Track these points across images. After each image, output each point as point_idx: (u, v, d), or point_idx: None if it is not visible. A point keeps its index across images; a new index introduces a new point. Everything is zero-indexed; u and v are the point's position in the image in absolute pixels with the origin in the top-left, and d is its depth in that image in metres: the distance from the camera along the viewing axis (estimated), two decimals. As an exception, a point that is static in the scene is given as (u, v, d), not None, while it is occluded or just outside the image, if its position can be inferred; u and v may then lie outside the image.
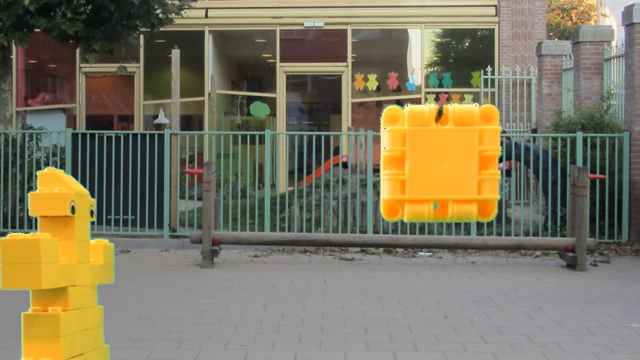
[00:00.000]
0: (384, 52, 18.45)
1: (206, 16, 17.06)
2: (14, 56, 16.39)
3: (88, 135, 10.96)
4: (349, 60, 17.02)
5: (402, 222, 10.77)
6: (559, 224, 10.35)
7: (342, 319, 6.47)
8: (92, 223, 3.11)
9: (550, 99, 14.25)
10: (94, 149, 10.81)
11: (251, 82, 18.68)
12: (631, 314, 6.75)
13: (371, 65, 17.81)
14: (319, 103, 18.63)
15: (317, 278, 8.42)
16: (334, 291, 7.68)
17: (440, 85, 17.06)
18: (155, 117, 16.03)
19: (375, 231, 10.46)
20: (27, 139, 11.36)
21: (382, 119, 2.42)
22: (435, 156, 2.35)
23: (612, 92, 11.61)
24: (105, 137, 10.89)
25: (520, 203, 12.60)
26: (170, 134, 10.88)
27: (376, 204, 10.69)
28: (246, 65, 19.27)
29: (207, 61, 17.07)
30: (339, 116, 17.10)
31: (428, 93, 16.98)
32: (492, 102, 16.50)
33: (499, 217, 10.79)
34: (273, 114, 17.21)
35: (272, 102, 17.21)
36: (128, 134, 10.98)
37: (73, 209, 2.85)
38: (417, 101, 16.98)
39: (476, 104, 2.38)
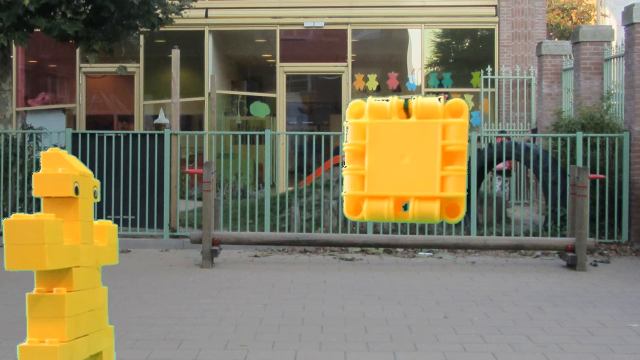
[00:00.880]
0: (384, 52, 18.45)
1: (206, 16, 17.06)
2: (14, 56, 16.40)
3: (88, 135, 10.96)
4: (349, 60, 17.03)
5: (402, 222, 10.76)
6: (559, 224, 10.35)
7: (342, 319, 6.47)
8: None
9: (550, 99, 14.26)
10: (94, 149, 10.81)
11: (251, 82, 18.69)
12: (631, 314, 6.75)
13: (371, 65, 17.81)
14: (319, 103, 18.63)
15: (317, 278, 8.43)
16: (334, 291, 7.68)
17: (441, 85, 17.06)
18: (155, 117, 16.04)
19: (375, 231, 10.46)
20: (27, 139, 11.36)
21: (347, 114, 2.34)
22: (397, 150, 2.25)
23: (612, 92, 11.61)
24: (105, 137, 10.90)
25: (520, 203, 12.60)
26: (170, 134, 10.88)
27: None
28: (246, 65, 19.27)
29: (207, 61, 17.07)
30: (339, 116, 17.10)
31: (428, 93, 16.97)
32: (492, 102, 16.51)
33: (499, 217, 10.80)
34: (273, 114, 17.22)
35: (272, 102, 17.21)
36: (128, 134, 10.98)
37: (77, 190, 2.86)
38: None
39: (440, 97, 2.28)
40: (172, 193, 10.82)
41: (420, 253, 10.10)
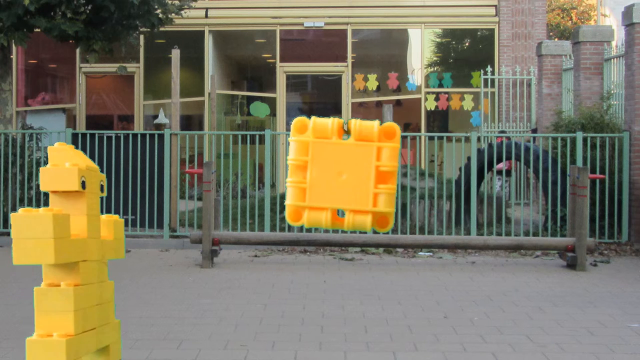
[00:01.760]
0: (384, 52, 18.45)
1: (206, 16, 17.06)
2: (14, 56, 16.40)
3: (88, 135, 10.96)
4: (349, 60, 17.03)
5: (402, 222, 10.78)
6: (559, 224, 10.35)
7: (342, 319, 6.47)
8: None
9: (550, 99, 14.26)
10: (94, 149, 10.81)
11: (251, 82, 18.69)
12: (631, 314, 6.75)
13: (371, 65, 17.81)
14: (319, 103, 18.63)
15: (317, 278, 8.43)
16: (334, 291, 7.68)
17: (440, 85, 17.06)
18: (155, 117, 16.04)
19: (375, 231, 10.45)
20: (27, 139, 11.36)
21: (291, 129, 2.58)
22: (336, 168, 2.51)
23: (612, 92, 11.61)
24: (105, 137, 10.90)
25: (520, 203, 12.59)
26: (170, 134, 10.88)
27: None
28: (246, 65, 19.27)
29: (207, 61, 17.07)
30: (339, 116, 17.04)
31: (428, 93, 16.98)
32: (492, 102, 16.51)
33: (499, 217, 10.80)
34: (273, 114, 17.22)
35: (272, 102, 17.21)
36: (128, 134, 10.98)
37: (83, 184, 2.86)
38: (418, 101, 17.00)
39: (377, 120, 2.55)
40: (172, 193, 10.82)
41: (420, 253, 10.10)
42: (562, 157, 10.71)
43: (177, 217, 10.94)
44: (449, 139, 12.27)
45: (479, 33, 17.79)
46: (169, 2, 12.54)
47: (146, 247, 10.46)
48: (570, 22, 28.08)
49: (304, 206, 2.52)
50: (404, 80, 17.27)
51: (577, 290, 7.84)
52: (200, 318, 6.44)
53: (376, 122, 2.52)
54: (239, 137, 11.29)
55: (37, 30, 11.56)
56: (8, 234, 10.74)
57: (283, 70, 17.16)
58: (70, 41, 11.98)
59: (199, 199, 12.34)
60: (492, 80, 16.36)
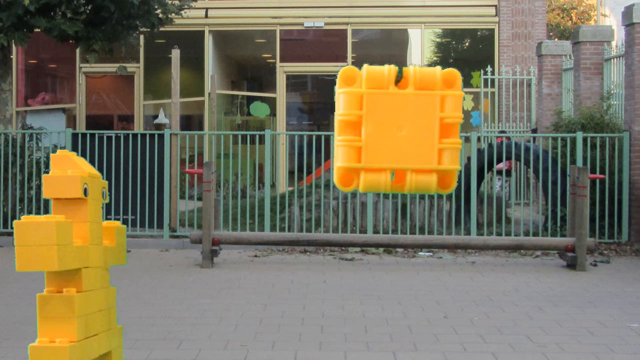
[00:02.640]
0: (384, 52, 18.44)
1: (206, 16, 17.06)
2: (14, 56, 16.40)
3: (88, 135, 10.96)
4: (349, 60, 17.02)
5: (402, 222, 10.78)
6: (559, 224, 10.35)
7: (342, 319, 6.47)
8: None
9: (550, 99, 14.26)
10: (94, 149, 10.82)
11: (251, 82, 18.69)
12: (631, 314, 6.75)
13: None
14: (319, 103, 18.62)
15: (317, 278, 8.42)
16: (334, 291, 7.68)
17: (441, 85, 17.03)
18: (155, 117, 16.04)
19: (375, 231, 10.46)
20: (27, 139, 11.36)
21: (338, 80, 2.27)
22: (394, 122, 2.17)
23: (612, 92, 11.61)
24: (105, 137, 10.90)
25: (520, 203, 12.59)
26: (170, 134, 10.88)
27: (376, 204, 10.69)
28: (246, 65, 19.27)
29: (207, 61, 17.07)
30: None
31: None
32: (492, 102, 16.51)
33: (499, 217, 10.80)
34: (273, 114, 17.22)
35: (272, 102, 17.21)
36: (128, 134, 10.98)
37: (86, 191, 2.87)
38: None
39: (439, 67, 2.24)
40: (172, 193, 10.82)
41: (420, 253, 10.10)
42: (562, 157, 10.71)
43: (177, 217, 10.94)
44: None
45: (479, 33, 17.79)
46: (169, 2, 12.54)
47: (146, 247, 10.45)
48: (570, 22, 28.08)
49: (360, 168, 2.17)
50: (404, 80, 17.24)
51: (577, 290, 7.84)
52: (200, 318, 6.44)
53: (438, 68, 2.24)
54: (239, 137, 11.28)
55: (37, 30, 11.55)
56: (8, 234, 10.73)
57: (283, 70, 17.16)
58: (70, 41, 11.98)
59: (199, 199, 12.34)
60: (492, 80, 16.36)
